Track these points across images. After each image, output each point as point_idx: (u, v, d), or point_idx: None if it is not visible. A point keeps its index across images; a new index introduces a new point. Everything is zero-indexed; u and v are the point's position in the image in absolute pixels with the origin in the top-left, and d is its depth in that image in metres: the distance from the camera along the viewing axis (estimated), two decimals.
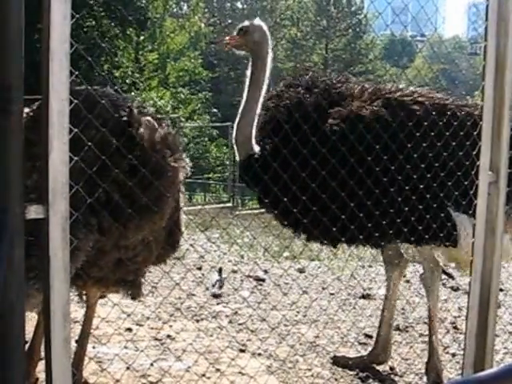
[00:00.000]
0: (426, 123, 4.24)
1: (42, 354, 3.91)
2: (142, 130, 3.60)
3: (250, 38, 4.58)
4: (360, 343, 5.75)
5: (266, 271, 8.26)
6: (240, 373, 4.77)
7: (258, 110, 4.52)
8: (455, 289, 8.26)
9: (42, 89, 2.32)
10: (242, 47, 4.69)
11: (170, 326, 5.75)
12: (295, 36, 42.16)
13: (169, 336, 5.50)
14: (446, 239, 4.54)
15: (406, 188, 4.15)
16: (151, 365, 4.85)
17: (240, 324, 6.10)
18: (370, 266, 9.48)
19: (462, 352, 5.49)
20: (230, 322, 6.18)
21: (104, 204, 3.37)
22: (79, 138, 2.64)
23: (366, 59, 42.63)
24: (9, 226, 2.26)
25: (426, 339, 5.99)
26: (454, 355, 5.64)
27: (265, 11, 48.58)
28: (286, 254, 9.86)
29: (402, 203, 4.17)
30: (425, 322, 6.50)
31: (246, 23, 4.65)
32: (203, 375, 4.70)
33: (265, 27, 4.58)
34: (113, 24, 26.22)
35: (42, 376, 3.87)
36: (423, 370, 5.11)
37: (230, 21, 49.90)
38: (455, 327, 6.47)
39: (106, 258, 3.61)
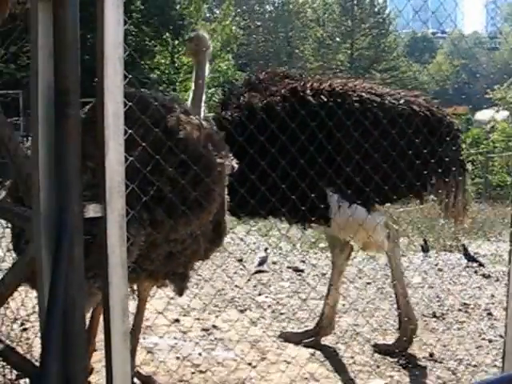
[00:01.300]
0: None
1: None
2: (189, 129, 3.56)
3: (191, 47, 4.70)
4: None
5: (303, 261, 8.17)
6: (286, 361, 4.70)
7: (202, 108, 4.53)
8: (487, 276, 8.11)
9: (98, 92, 2.28)
10: (188, 53, 4.92)
11: (216, 317, 5.69)
12: (321, 36, 41.92)
13: (215, 326, 5.45)
14: (319, 217, 4.58)
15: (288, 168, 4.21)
16: (199, 354, 4.80)
17: (282, 314, 6.02)
18: (403, 256, 9.34)
19: (498, 338, 5.41)
20: (273, 311, 6.11)
21: (156, 200, 3.35)
22: (133, 138, 2.59)
23: (389, 56, 42.23)
24: (69, 225, 2.21)
25: (463, 326, 5.89)
26: (490, 341, 5.51)
27: (291, 13, 48.41)
28: (321, 244, 9.78)
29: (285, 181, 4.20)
30: (459, 309, 6.39)
31: (192, 34, 4.89)
32: (250, 364, 4.64)
33: (204, 37, 4.67)
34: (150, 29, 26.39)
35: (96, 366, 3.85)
36: (462, 356, 5.00)
37: (259, 23, 49.87)
38: (489, 313, 6.32)
39: (157, 251, 3.57)
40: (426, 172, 4.51)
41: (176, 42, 29.62)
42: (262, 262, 7.53)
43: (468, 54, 56.50)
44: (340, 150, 4.40)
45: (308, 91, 4.71)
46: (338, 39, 42.28)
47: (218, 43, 36.06)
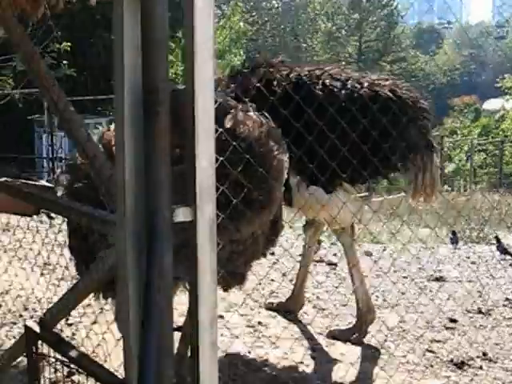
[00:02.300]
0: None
1: None
2: (251, 126, 3.41)
3: None
4: (446, 328, 5.47)
5: (335, 255, 8.01)
6: (337, 360, 4.55)
7: None
8: None
9: (187, 90, 2.11)
10: None
11: (259, 313, 5.55)
12: (330, 29, 41.63)
13: (260, 323, 5.29)
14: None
15: None
16: (249, 352, 4.66)
17: (324, 309, 5.86)
18: (433, 248, 9.18)
19: None
20: (314, 306, 5.95)
21: (222, 203, 3.21)
22: None
23: (397, 48, 41.93)
24: (159, 230, 2.05)
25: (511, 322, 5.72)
26: None
27: (299, 7, 48.11)
28: None
29: None
30: (504, 305, 6.22)
31: None
32: (302, 363, 4.49)
33: None
34: None
35: None
36: None
37: (266, 18, 49.62)
38: None
39: (220, 252, 3.42)
40: (389, 152, 4.50)
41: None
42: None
43: (475, 44, 56.02)
44: (299, 135, 4.19)
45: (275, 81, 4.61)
46: (346, 32, 41.97)
47: (227, 39, 36.01)
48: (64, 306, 2.74)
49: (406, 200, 5.25)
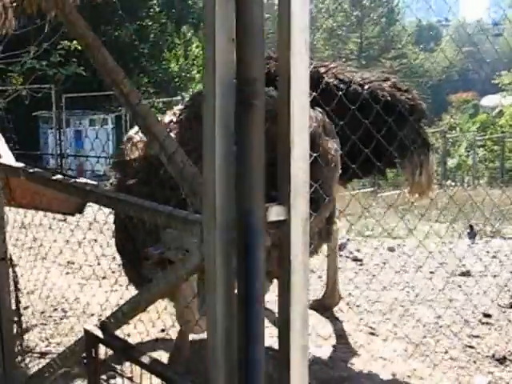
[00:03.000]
0: None
1: None
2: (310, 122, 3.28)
3: None
4: (482, 323, 5.35)
5: (358, 250, 7.89)
6: (382, 358, 4.43)
7: None
8: None
9: (281, 82, 1.98)
10: None
11: None
12: (331, 26, 41.46)
13: None
14: None
15: None
16: None
17: (358, 306, 5.74)
18: (451, 242, 9.07)
19: None
20: (347, 304, 5.82)
21: None
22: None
23: (398, 45, 41.80)
24: (254, 230, 1.92)
25: None
26: None
27: None
28: (367, 232, 9.51)
29: None
30: None
31: None
32: (345, 361, 4.37)
33: None
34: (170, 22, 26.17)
35: None
36: None
37: (268, 15, 49.45)
38: None
39: (276, 251, 3.30)
40: (386, 150, 4.54)
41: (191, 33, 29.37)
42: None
43: (472, 42, 55.81)
44: None
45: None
46: (347, 29, 41.82)
47: None
48: (130, 310, 2.60)
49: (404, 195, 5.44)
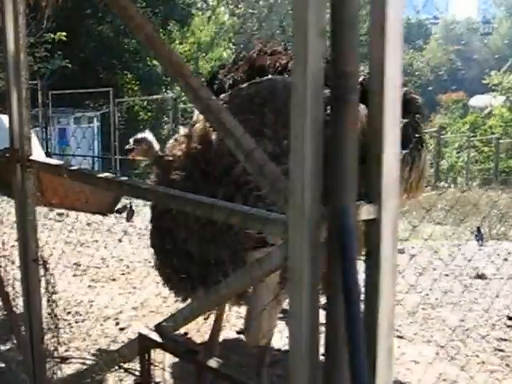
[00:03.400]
0: None
1: None
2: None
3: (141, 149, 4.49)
4: (508, 326, 5.38)
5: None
6: (414, 361, 4.44)
7: None
8: None
9: (373, 77, 1.96)
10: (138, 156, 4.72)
11: None
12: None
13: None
14: None
15: None
16: None
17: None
18: (459, 245, 9.13)
19: None
20: None
21: None
22: None
23: None
24: (348, 230, 1.91)
25: None
26: None
27: (285, 1, 47.87)
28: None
29: None
30: None
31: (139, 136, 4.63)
32: None
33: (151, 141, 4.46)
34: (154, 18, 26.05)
35: None
36: None
37: (252, 11, 49.35)
38: None
39: None
40: None
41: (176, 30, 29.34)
42: None
43: (461, 40, 56.31)
44: None
45: None
46: None
47: (213, 31, 35.79)
48: (192, 313, 2.57)
49: None
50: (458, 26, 58.87)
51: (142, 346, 2.73)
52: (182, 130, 3.68)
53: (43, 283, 3.50)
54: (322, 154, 1.95)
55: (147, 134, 4.79)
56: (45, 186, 3.63)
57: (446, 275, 7.00)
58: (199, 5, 37.50)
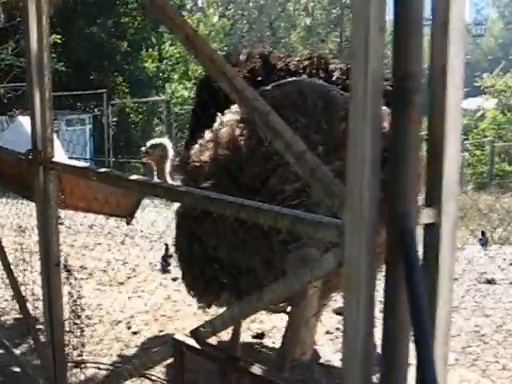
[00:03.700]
0: None
1: None
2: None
3: (155, 153, 4.59)
4: None
5: None
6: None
7: None
8: None
9: (435, 75, 1.95)
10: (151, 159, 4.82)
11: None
12: (310, 24, 41.55)
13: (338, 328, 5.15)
14: None
15: None
16: None
17: None
18: (463, 248, 9.13)
19: None
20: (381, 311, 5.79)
21: None
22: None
23: None
24: (412, 236, 1.88)
25: None
26: None
27: (276, 2, 47.87)
28: None
29: None
30: None
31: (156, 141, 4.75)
32: None
33: (167, 147, 4.61)
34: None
35: None
36: None
37: (241, 12, 49.34)
38: None
39: None
40: None
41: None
42: None
43: None
44: None
45: None
46: (326, 28, 41.96)
47: (204, 33, 35.79)
48: (230, 319, 2.54)
49: None
50: None
51: (176, 352, 2.70)
52: (207, 135, 3.63)
53: (67, 287, 3.45)
54: (380, 156, 1.93)
55: (164, 140, 4.83)
56: (69, 188, 3.58)
57: (455, 279, 7.00)
58: (188, 6, 37.54)
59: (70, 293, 3.54)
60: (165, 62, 28.59)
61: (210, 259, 3.48)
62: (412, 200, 1.91)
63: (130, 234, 8.46)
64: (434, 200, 1.98)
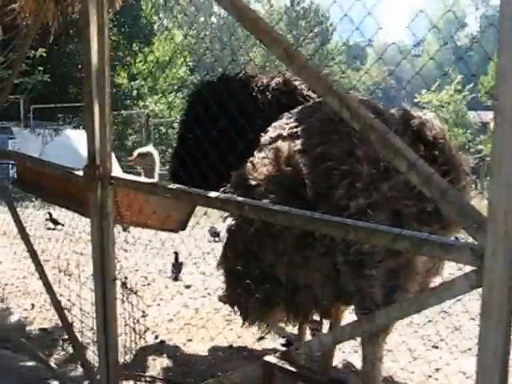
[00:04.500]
0: None
1: None
2: (438, 131, 3.09)
3: (143, 162, 4.89)
4: None
5: None
6: (462, 372, 4.22)
7: None
8: None
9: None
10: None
11: None
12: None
13: None
14: None
15: None
16: None
17: None
18: None
19: None
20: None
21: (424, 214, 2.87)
22: None
23: (331, 63, 42.39)
24: None
25: None
26: None
27: (235, 23, 47.78)
28: None
29: None
30: None
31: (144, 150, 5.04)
32: (430, 376, 4.12)
33: (154, 156, 4.93)
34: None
35: None
36: None
37: (206, 32, 49.10)
38: None
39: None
40: None
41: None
42: None
43: (393, 62, 57.27)
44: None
45: None
46: None
47: (169, 51, 35.46)
48: (329, 342, 2.27)
49: None
50: (391, 48, 59.63)
51: (266, 373, 2.42)
52: (258, 154, 3.30)
53: (125, 304, 3.12)
54: None
55: (150, 148, 5.07)
56: (126, 203, 3.25)
57: None
58: (155, 26, 37.17)
59: (128, 309, 3.19)
60: (136, 79, 28.08)
61: (265, 276, 3.19)
62: None
63: (130, 241, 8.06)
64: None
